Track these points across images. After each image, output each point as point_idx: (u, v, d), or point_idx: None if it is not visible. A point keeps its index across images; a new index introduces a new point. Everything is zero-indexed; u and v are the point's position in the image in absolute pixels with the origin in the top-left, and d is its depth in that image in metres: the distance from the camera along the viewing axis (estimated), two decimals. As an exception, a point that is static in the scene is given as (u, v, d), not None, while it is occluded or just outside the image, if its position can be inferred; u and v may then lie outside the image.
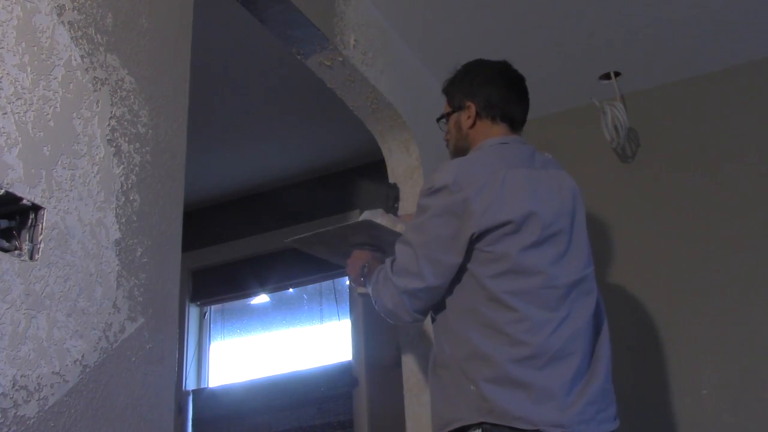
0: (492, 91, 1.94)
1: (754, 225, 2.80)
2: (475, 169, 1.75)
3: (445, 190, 1.72)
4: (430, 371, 1.78)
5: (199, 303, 4.05)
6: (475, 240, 1.68)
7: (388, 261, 1.82)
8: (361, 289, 2.01)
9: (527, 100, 2.00)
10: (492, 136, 1.90)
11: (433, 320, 1.83)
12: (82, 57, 1.30)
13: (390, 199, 2.56)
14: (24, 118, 1.16)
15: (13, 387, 1.05)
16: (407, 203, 2.64)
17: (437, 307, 1.78)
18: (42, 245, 1.15)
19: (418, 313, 1.77)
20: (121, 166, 1.34)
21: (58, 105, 1.23)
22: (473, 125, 1.94)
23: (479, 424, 1.57)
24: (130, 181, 1.35)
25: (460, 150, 1.98)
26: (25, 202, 1.13)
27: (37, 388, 1.09)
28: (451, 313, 1.72)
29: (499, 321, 1.63)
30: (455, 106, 1.98)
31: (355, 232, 2.03)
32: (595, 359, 1.70)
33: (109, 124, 1.33)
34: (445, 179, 1.73)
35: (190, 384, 3.86)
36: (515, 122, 1.95)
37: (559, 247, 1.74)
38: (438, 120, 2.07)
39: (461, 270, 1.71)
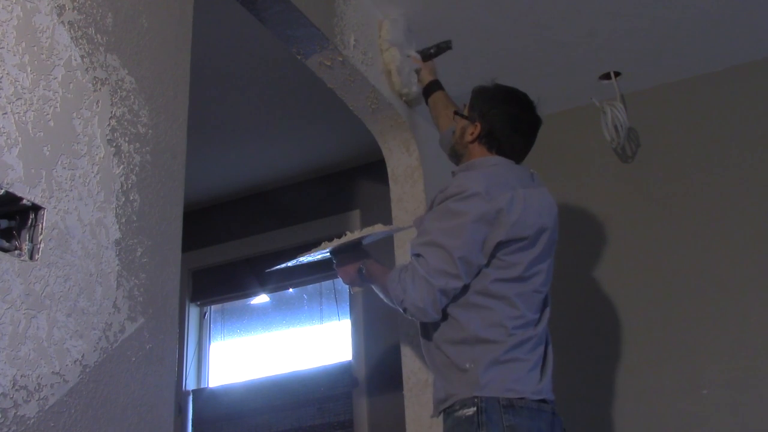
0: (499, 127, 2.08)
1: (754, 225, 2.80)
2: (500, 182, 1.94)
3: (477, 197, 1.88)
4: (426, 357, 2.00)
5: (199, 303, 4.05)
6: (495, 247, 1.88)
7: (413, 261, 1.91)
8: (356, 289, 2.20)
9: (532, 144, 2.14)
10: (483, 157, 2.07)
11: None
12: (82, 57, 1.30)
13: (440, 48, 2.65)
14: (24, 118, 1.16)
15: (13, 387, 1.05)
16: (407, 203, 2.64)
17: None
18: (42, 245, 1.15)
19: (442, 310, 1.92)
20: (121, 166, 1.34)
21: (58, 105, 1.23)
22: (473, 142, 2.10)
23: (473, 399, 1.80)
24: (130, 181, 1.35)
25: (454, 152, 2.18)
26: (25, 202, 1.13)
27: (37, 388, 1.09)
28: (454, 306, 1.91)
29: (501, 315, 1.88)
30: (470, 116, 2.13)
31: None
32: (547, 346, 1.99)
33: (109, 124, 1.33)
34: (476, 187, 1.89)
35: (190, 384, 3.86)
36: (510, 157, 2.09)
37: (547, 258, 2.00)
38: (454, 113, 2.22)
39: None
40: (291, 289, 3.95)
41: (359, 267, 2.08)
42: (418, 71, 2.63)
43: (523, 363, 1.86)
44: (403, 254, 2.54)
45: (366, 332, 3.48)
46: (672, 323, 2.81)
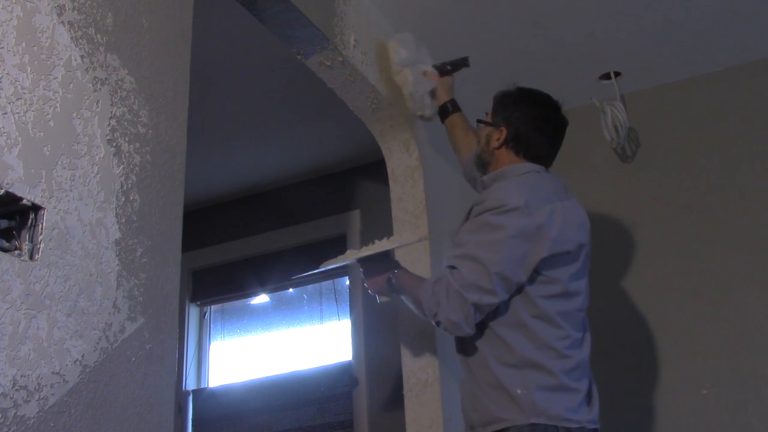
0: (525, 129, 2.05)
1: (754, 225, 2.81)
2: (539, 195, 1.90)
3: (517, 211, 1.84)
4: (467, 373, 1.93)
5: (199, 303, 4.05)
6: (538, 263, 1.84)
7: (447, 274, 1.86)
8: (384, 298, 2.15)
9: (559, 145, 2.11)
10: (515, 164, 2.03)
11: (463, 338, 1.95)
12: (82, 57, 1.30)
13: (457, 65, 2.61)
14: (24, 118, 1.16)
15: (13, 387, 1.05)
16: (407, 203, 2.64)
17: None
18: (42, 245, 1.15)
19: (475, 325, 1.87)
20: (121, 166, 1.34)
21: (58, 105, 1.23)
22: (499, 147, 2.07)
23: (530, 425, 1.75)
24: (130, 181, 1.34)
25: (480, 160, 2.14)
26: (25, 202, 1.13)
27: (37, 388, 1.09)
28: (498, 325, 1.86)
29: (548, 336, 1.83)
30: (494, 122, 2.10)
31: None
32: (590, 377, 1.95)
33: (109, 124, 1.33)
34: (516, 201, 1.85)
35: (190, 384, 3.86)
36: (539, 162, 2.06)
37: (585, 275, 1.97)
38: (478, 121, 2.19)
39: None
40: (291, 289, 3.95)
41: (389, 277, 2.03)
42: (434, 90, 2.56)
43: (575, 393, 1.82)
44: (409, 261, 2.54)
45: (366, 332, 3.48)
46: (672, 323, 2.81)
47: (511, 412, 1.78)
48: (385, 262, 2.09)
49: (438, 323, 1.87)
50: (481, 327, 1.88)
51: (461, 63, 2.61)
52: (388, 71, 2.55)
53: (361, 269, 2.12)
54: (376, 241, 2.10)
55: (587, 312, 1.99)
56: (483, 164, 2.14)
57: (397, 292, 2.05)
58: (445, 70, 2.59)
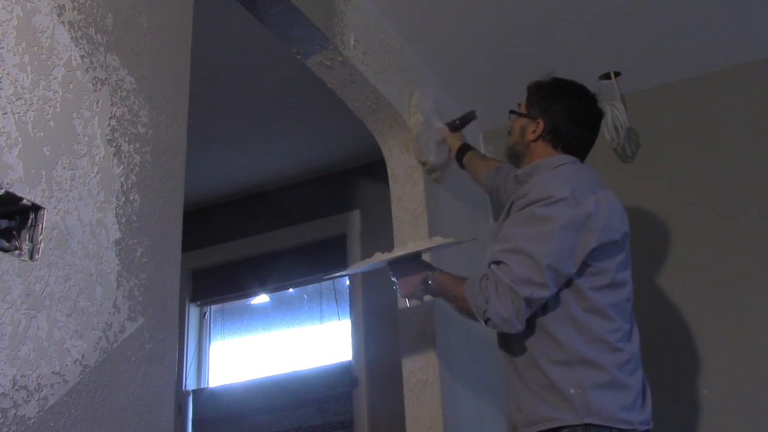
0: (563, 122, 2.01)
1: (754, 225, 2.80)
2: (583, 185, 1.86)
3: (564, 201, 1.79)
4: (513, 373, 1.87)
5: (199, 303, 4.05)
6: (587, 254, 1.80)
7: (494, 270, 1.81)
8: (415, 302, 2.16)
9: (596, 138, 2.09)
10: (550, 156, 2.00)
11: (508, 335, 1.90)
12: (82, 57, 1.30)
13: (465, 120, 2.68)
14: (24, 118, 1.16)
15: (13, 387, 1.05)
16: (407, 203, 2.64)
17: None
18: (42, 245, 1.15)
19: (535, 324, 1.83)
20: (121, 166, 1.34)
21: (58, 105, 1.23)
22: (536, 140, 2.03)
23: (585, 426, 1.70)
24: (130, 181, 1.34)
25: (514, 152, 2.10)
26: (25, 202, 1.13)
27: (37, 388, 1.09)
28: (547, 321, 1.81)
29: (600, 330, 1.78)
30: (529, 113, 2.06)
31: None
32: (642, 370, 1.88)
33: (109, 124, 1.33)
34: (563, 192, 1.81)
35: (190, 384, 3.86)
36: (576, 154, 2.03)
37: (630, 265, 1.94)
38: (510, 112, 2.14)
39: None
40: (291, 289, 3.95)
41: (424, 278, 1.98)
42: (443, 142, 2.65)
43: (629, 390, 1.77)
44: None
45: (366, 332, 3.48)
46: (672, 323, 2.81)
47: (563, 412, 1.73)
48: (416, 263, 2.05)
49: (487, 320, 1.80)
50: (528, 324, 1.82)
51: (469, 117, 2.68)
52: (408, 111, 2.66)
53: (391, 272, 2.07)
54: (409, 243, 2.10)
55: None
56: (516, 156, 2.10)
57: (434, 293, 2.00)
58: (455, 125, 2.68)
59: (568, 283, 1.81)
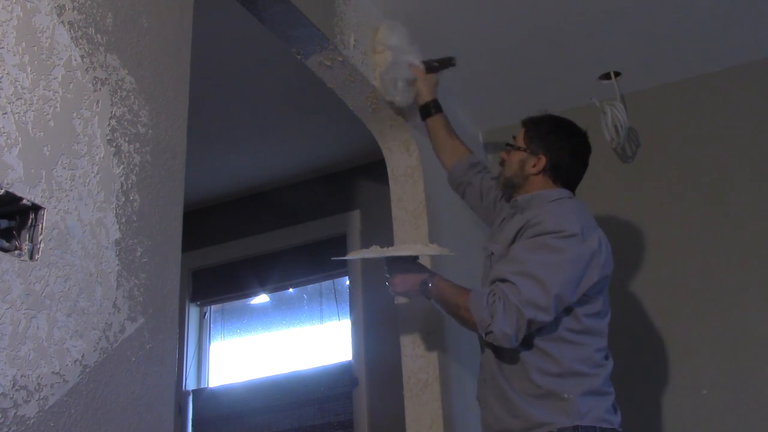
0: (566, 160, 2.13)
1: (754, 225, 2.80)
2: (588, 222, 2.02)
3: (575, 237, 1.94)
4: (504, 382, 1.98)
5: (199, 303, 4.05)
6: (589, 287, 1.95)
7: (502, 288, 1.90)
8: (403, 300, 2.23)
9: (585, 171, 2.22)
10: (549, 189, 2.12)
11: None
12: (82, 57, 1.30)
13: (444, 63, 2.57)
14: (24, 118, 1.16)
15: (13, 387, 1.05)
16: (407, 203, 2.64)
17: None
18: (42, 245, 1.15)
19: (531, 342, 1.97)
20: (121, 166, 1.34)
21: (58, 105, 1.23)
22: (536, 174, 2.13)
23: (574, 427, 1.87)
24: (130, 181, 1.34)
25: (510, 183, 2.18)
26: (25, 202, 1.13)
27: (37, 388, 1.09)
28: (543, 340, 1.95)
29: (589, 349, 1.96)
30: (529, 148, 2.14)
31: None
32: None
33: (109, 124, 1.33)
34: (574, 227, 1.95)
35: (190, 384, 3.86)
36: (570, 187, 2.17)
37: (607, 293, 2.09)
38: (507, 145, 2.22)
39: None
40: (291, 289, 3.95)
41: (424, 280, 2.04)
42: (413, 82, 2.50)
43: (609, 396, 1.96)
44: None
45: (366, 332, 3.48)
46: (672, 323, 2.81)
47: (557, 416, 1.88)
48: (416, 264, 2.10)
49: (488, 333, 1.90)
50: (524, 341, 1.94)
51: (448, 62, 2.56)
52: (372, 50, 2.51)
53: (387, 267, 2.11)
54: (410, 243, 2.17)
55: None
56: (513, 187, 2.18)
57: (429, 297, 2.05)
58: (432, 66, 2.53)
59: (567, 309, 1.95)
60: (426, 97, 2.50)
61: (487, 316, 1.88)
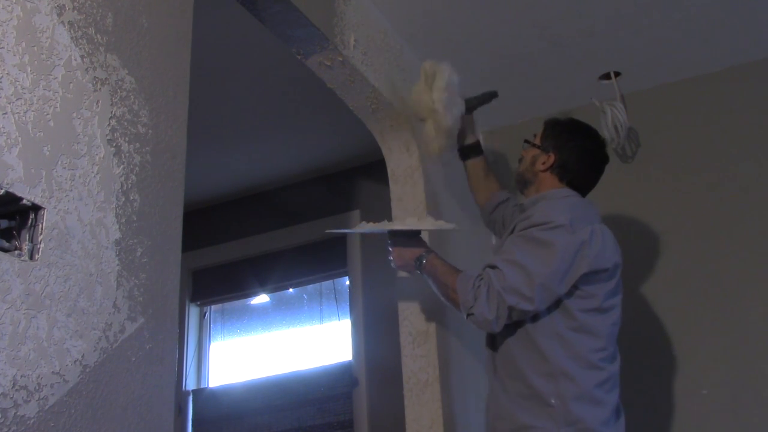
0: (573, 160, 2.18)
1: (754, 225, 2.80)
2: (581, 216, 2.03)
3: (563, 228, 1.96)
4: (497, 383, 2.02)
5: (199, 303, 4.05)
6: (578, 278, 1.95)
7: (489, 273, 1.94)
8: (404, 273, 2.30)
9: (598, 180, 2.26)
10: (556, 188, 2.17)
11: (496, 338, 2.05)
12: (82, 57, 1.30)
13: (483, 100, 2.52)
14: (24, 118, 1.16)
15: (13, 387, 1.05)
16: (407, 203, 2.64)
17: (518, 325, 1.99)
18: (42, 245, 1.15)
19: (504, 326, 1.98)
20: (121, 166, 1.34)
21: (58, 105, 1.23)
22: (545, 171, 2.19)
23: None
24: (130, 181, 1.35)
25: (523, 178, 2.25)
26: (25, 202, 1.13)
27: (37, 388, 1.09)
28: (537, 334, 1.96)
29: (582, 348, 1.94)
30: (543, 146, 2.22)
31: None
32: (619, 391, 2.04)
33: (109, 124, 1.33)
34: (562, 219, 1.97)
35: (190, 384, 3.86)
36: (578, 190, 2.20)
37: (620, 293, 2.07)
38: (525, 141, 2.29)
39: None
40: (291, 289, 3.95)
41: (419, 256, 2.11)
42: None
43: (605, 406, 1.92)
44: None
45: (366, 332, 3.48)
46: (672, 323, 2.81)
47: (542, 420, 1.88)
48: (414, 239, 2.17)
49: (469, 315, 1.95)
50: (519, 336, 1.98)
51: (489, 97, 2.51)
52: (425, 87, 2.39)
53: (389, 241, 2.20)
54: (409, 219, 2.21)
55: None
56: (524, 182, 2.25)
57: (423, 272, 2.12)
58: (472, 105, 2.48)
59: (558, 303, 1.96)
60: (470, 139, 2.49)
61: (471, 299, 1.93)
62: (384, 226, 2.18)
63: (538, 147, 2.22)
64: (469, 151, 2.50)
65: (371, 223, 2.23)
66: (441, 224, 2.21)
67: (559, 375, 1.90)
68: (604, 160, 2.25)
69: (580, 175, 2.19)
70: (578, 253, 1.95)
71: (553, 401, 1.87)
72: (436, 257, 2.11)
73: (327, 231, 2.43)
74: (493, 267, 1.96)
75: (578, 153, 2.19)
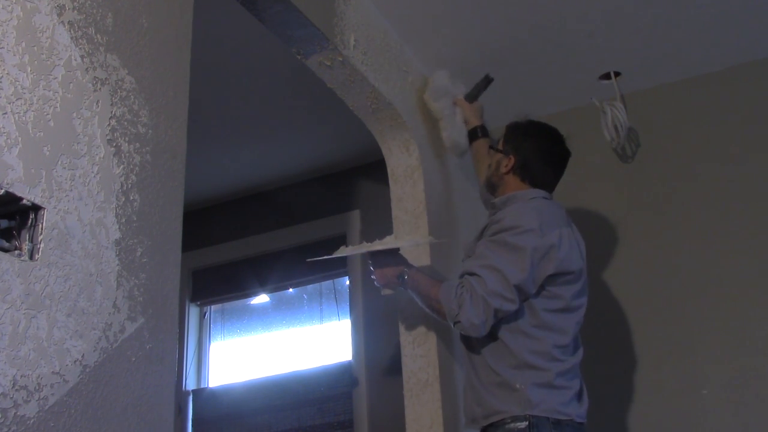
0: (532, 159, 2.27)
1: (754, 224, 2.80)
2: (549, 220, 2.11)
3: (532, 232, 2.06)
4: (472, 373, 2.15)
5: (199, 303, 4.05)
6: (544, 279, 2.06)
7: (469, 280, 2.04)
8: (387, 291, 2.35)
9: (561, 174, 2.33)
10: (521, 190, 2.25)
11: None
12: (82, 57, 1.30)
13: (481, 88, 2.75)
14: (24, 118, 1.16)
15: (13, 387, 1.05)
16: (407, 203, 2.64)
17: None
18: (42, 245, 1.15)
19: (494, 333, 2.09)
20: (121, 166, 1.34)
21: (58, 105, 1.23)
22: (507, 173, 2.29)
23: (525, 417, 1.98)
24: (130, 181, 1.35)
25: (490, 183, 2.36)
26: (25, 202, 1.13)
27: (37, 388, 1.09)
28: (503, 331, 2.08)
29: (545, 344, 2.06)
30: (504, 150, 2.32)
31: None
32: (581, 379, 2.19)
33: (109, 124, 1.33)
34: (532, 223, 2.07)
35: (190, 384, 3.86)
36: (542, 187, 2.27)
37: (585, 294, 2.20)
38: (490, 147, 2.42)
39: None
40: (291, 289, 3.95)
41: (401, 272, 2.19)
42: (465, 120, 2.74)
43: (566, 390, 2.05)
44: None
45: (366, 332, 3.48)
46: (672, 323, 2.81)
47: (510, 405, 2.01)
48: (396, 257, 2.24)
49: (456, 323, 2.04)
50: (490, 334, 2.07)
51: (485, 83, 2.72)
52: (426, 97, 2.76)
53: (370, 261, 2.27)
54: (387, 237, 2.26)
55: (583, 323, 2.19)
56: (492, 187, 2.35)
57: (407, 288, 2.20)
58: (472, 96, 2.73)
59: (527, 302, 2.07)
60: (473, 123, 2.73)
61: (456, 307, 2.02)
62: (363, 248, 2.25)
63: (501, 151, 2.31)
64: (474, 134, 2.71)
65: (350, 247, 2.30)
66: (418, 239, 2.32)
67: (523, 366, 2.03)
68: (564, 155, 2.32)
69: (540, 173, 2.26)
70: (546, 255, 2.05)
71: (518, 386, 2.01)
72: (417, 272, 2.20)
73: (308, 260, 2.48)
74: (471, 274, 2.05)
75: (535, 152, 2.27)
